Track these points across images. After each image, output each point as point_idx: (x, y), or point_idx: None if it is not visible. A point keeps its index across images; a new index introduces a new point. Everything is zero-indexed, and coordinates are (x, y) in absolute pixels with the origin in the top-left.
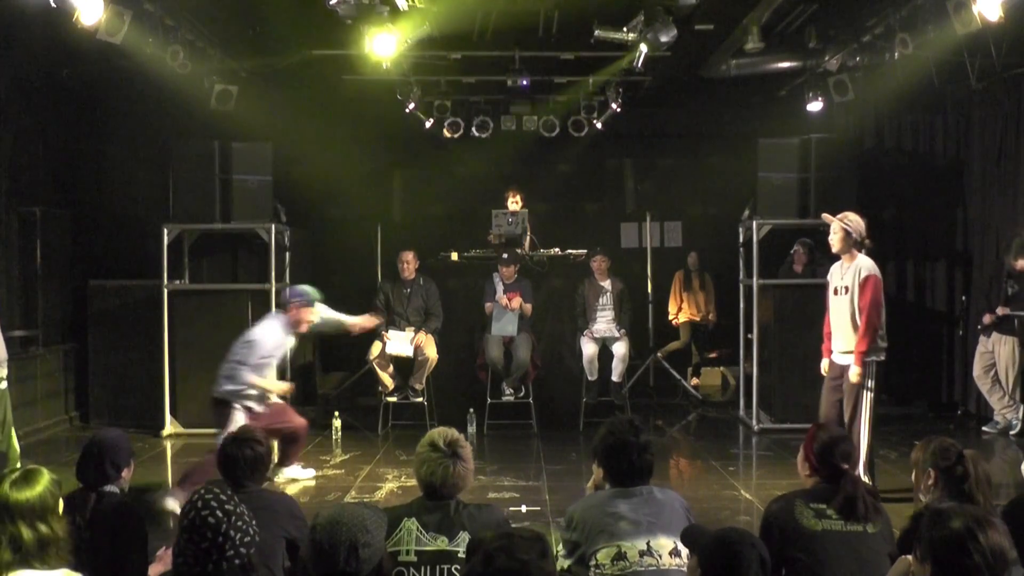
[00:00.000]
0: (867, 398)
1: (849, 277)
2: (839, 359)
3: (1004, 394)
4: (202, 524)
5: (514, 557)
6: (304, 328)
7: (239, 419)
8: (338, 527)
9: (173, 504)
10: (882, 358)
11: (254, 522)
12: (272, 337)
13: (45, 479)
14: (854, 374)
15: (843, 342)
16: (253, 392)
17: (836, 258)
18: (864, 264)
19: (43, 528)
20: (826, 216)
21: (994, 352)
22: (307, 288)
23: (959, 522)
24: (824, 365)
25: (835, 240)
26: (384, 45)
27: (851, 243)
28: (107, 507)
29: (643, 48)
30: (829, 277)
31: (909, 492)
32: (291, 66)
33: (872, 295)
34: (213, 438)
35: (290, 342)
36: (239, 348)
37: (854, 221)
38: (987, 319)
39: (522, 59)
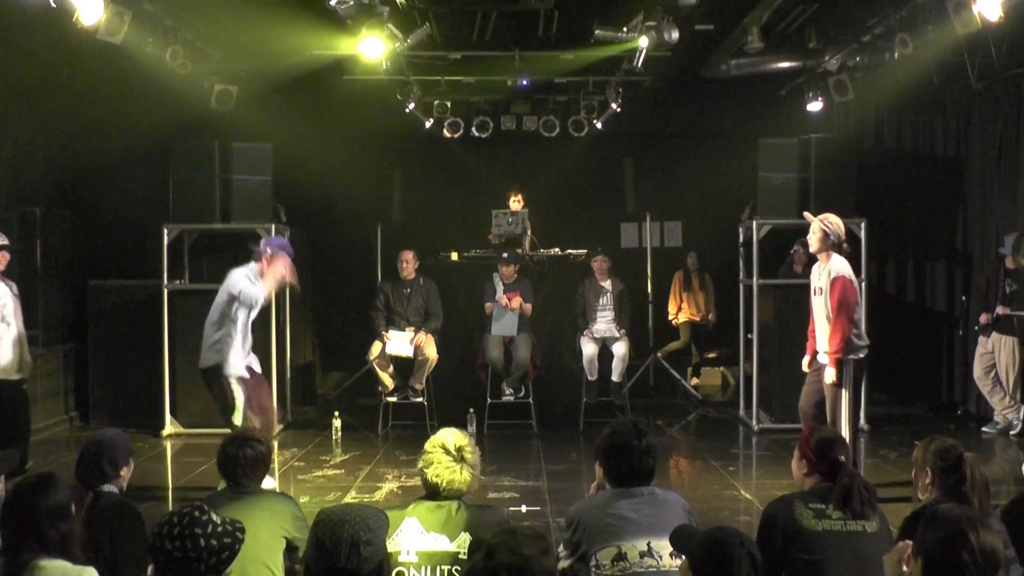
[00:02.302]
0: (844, 397)
1: (824, 278)
2: (821, 359)
3: (1005, 395)
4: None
5: (517, 552)
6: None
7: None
8: (341, 524)
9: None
10: (860, 356)
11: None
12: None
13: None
14: (828, 376)
15: (823, 342)
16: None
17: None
18: (835, 266)
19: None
20: (807, 215)
21: (994, 352)
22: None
23: (951, 522)
24: (805, 362)
25: (813, 240)
26: (373, 48)
27: (828, 244)
28: (106, 506)
29: (643, 44)
30: (811, 278)
31: (908, 492)
32: (291, 66)
33: (840, 296)
34: None
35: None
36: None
37: (834, 223)
38: (984, 319)
39: (522, 59)
